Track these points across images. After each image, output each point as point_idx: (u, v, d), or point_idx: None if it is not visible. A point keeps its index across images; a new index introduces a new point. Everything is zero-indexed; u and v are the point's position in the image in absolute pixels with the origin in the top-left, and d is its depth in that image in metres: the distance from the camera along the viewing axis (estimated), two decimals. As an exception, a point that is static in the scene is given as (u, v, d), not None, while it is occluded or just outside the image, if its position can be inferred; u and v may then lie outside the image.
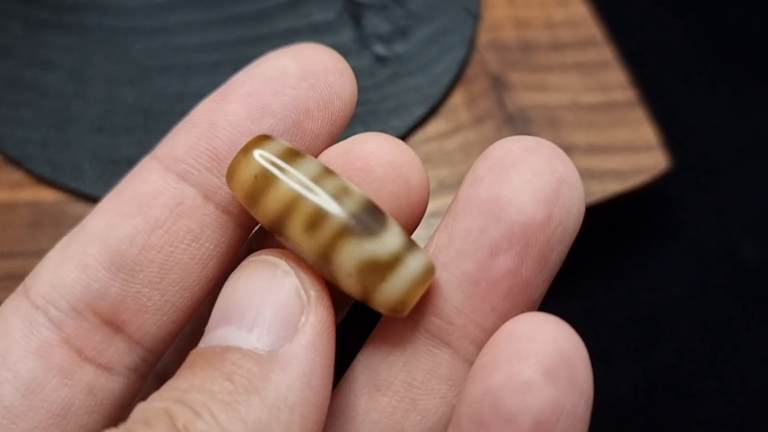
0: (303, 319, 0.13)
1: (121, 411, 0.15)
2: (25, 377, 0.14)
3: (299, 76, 0.15)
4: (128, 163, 0.28)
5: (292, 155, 0.14)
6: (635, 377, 0.28)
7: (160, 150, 0.16)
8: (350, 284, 0.14)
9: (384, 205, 0.15)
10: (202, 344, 0.13)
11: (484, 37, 0.32)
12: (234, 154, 0.15)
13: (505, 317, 0.14)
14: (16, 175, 0.28)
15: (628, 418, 0.27)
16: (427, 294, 0.15)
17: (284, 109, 0.15)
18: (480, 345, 0.14)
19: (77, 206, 0.28)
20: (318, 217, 0.14)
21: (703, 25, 0.36)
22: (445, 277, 0.14)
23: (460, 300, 0.14)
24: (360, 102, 0.29)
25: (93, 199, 0.28)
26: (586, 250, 0.30)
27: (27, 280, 0.15)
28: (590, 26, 0.32)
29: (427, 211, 0.16)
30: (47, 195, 0.28)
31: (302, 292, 0.13)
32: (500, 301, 0.14)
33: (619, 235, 0.31)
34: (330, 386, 0.13)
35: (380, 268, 0.14)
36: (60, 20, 0.32)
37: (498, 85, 0.30)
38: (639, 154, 0.29)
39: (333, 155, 0.15)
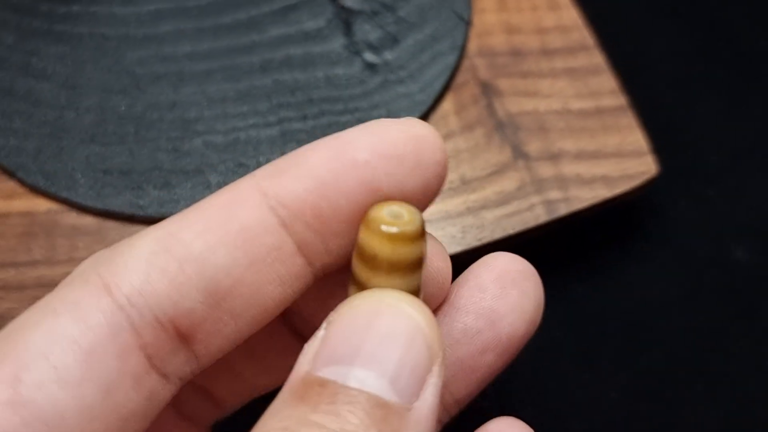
0: (429, 378, 0.14)
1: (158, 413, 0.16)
2: (107, 378, 0.14)
3: (415, 163, 0.16)
4: (120, 172, 0.28)
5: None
6: (624, 382, 0.28)
7: (267, 182, 0.16)
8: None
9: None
10: (328, 376, 0.13)
11: (474, 43, 0.32)
12: (334, 218, 0.16)
13: (470, 395, 0.18)
14: (8, 184, 0.28)
15: (616, 423, 0.28)
16: None
17: (393, 193, 0.16)
18: (446, 408, 0.18)
19: (70, 216, 0.28)
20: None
21: (694, 31, 0.36)
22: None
23: (448, 375, 0.18)
24: (350, 110, 0.30)
25: (85, 209, 0.28)
26: (576, 255, 0.31)
27: (100, 268, 0.15)
28: (581, 32, 0.32)
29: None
30: (40, 204, 0.28)
31: (431, 346, 0.14)
32: (474, 383, 0.18)
33: (609, 241, 0.31)
34: None
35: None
36: (52, 29, 0.32)
37: (488, 91, 0.30)
38: (629, 160, 0.29)
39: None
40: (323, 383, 0.13)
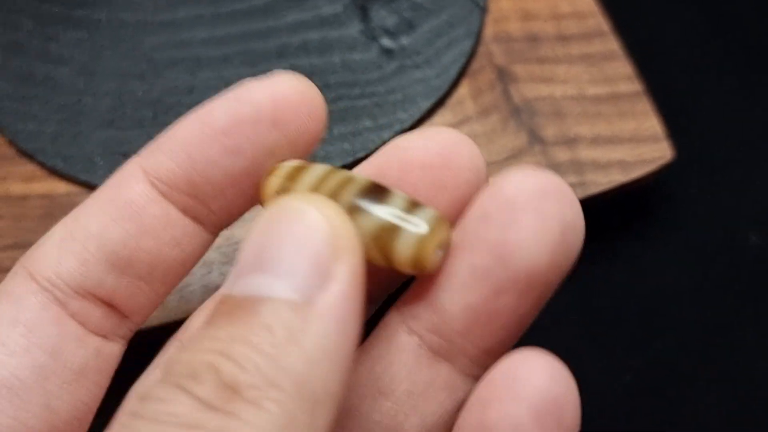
0: (336, 266, 0.13)
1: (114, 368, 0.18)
2: (50, 342, 0.16)
3: (272, 123, 0.17)
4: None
5: (301, 167, 0.16)
6: (637, 366, 0.28)
7: (145, 160, 0.17)
8: (370, 246, 0.15)
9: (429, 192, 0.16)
10: (234, 290, 0.14)
11: (490, 29, 0.32)
12: (208, 184, 0.17)
13: (501, 343, 0.16)
14: (28, 167, 0.29)
15: (629, 407, 0.28)
16: (432, 314, 0.16)
17: (255, 151, 0.17)
18: (476, 362, 0.16)
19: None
20: (338, 188, 0.15)
21: (710, 17, 0.36)
22: (449, 303, 0.16)
23: (461, 325, 0.15)
24: (367, 94, 0.30)
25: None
26: (590, 240, 0.31)
27: (25, 261, 0.17)
28: (596, 18, 0.32)
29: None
30: (59, 187, 0.28)
31: (334, 239, 0.14)
32: (497, 330, 0.15)
33: (624, 226, 0.31)
34: (359, 334, 0.14)
35: (389, 231, 0.15)
36: (70, 15, 0.32)
37: (504, 77, 0.30)
38: (644, 146, 0.29)
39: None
40: (236, 300, 0.13)
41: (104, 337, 0.17)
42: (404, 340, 0.16)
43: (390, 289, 0.19)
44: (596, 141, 0.29)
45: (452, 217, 0.16)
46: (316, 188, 0.15)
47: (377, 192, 0.15)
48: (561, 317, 0.29)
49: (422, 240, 0.15)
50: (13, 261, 0.26)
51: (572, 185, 0.28)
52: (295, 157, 0.17)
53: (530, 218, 0.14)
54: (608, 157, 0.29)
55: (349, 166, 0.28)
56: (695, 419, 0.27)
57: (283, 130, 0.16)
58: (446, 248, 0.15)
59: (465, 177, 0.16)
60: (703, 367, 0.28)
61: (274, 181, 0.16)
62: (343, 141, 0.29)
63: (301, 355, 0.13)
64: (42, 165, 0.29)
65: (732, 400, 0.28)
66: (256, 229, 0.14)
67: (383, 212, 0.15)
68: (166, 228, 0.17)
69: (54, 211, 0.28)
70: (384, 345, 0.17)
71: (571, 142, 0.29)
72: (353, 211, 0.15)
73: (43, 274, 0.17)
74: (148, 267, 0.17)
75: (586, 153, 0.29)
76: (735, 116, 0.34)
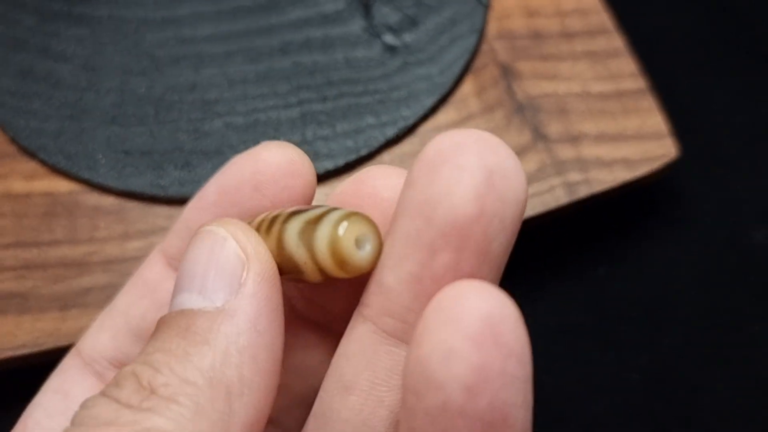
0: (244, 274, 0.15)
1: None
2: None
3: (253, 185, 0.18)
4: (141, 153, 0.28)
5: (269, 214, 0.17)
6: (644, 363, 0.28)
7: (164, 244, 0.19)
8: (300, 254, 0.15)
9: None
10: (166, 312, 0.15)
11: (493, 26, 0.32)
12: None
13: None
14: (30, 165, 0.29)
15: (637, 404, 0.28)
16: (378, 295, 0.16)
17: (240, 215, 0.18)
18: None
19: (91, 196, 0.28)
20: (272, 220, 0.16)
21: (714, 13, 0.36)
22: (392, 279, 0.15)
23: (408, 299, 0.15)
24: (369, 92, 0.30)
25: (107, 189, 0.28)
26: (595, 237, 0.31)
27: (78, 342, 0.19)
28: (600, 14, 0.32)
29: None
30: (61, 185, 0.28)
31: (240, 252, 0.15)
32: None
33: (629, 224, 0.31)
34: (280, 329, 0.15)
35: (311, 224, 0.15)
36: (72, 12, 0.32)
37: (507, 74, 0.30)
38: (649, 143, 0.29)
39: (345, 187, 0.18)
40: (164, 319, 0.15)
41: None
42: (360, 330, 0.16)
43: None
44: (601, 138, 0.29)
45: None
46: (258, 228, 0.16)
47: (299, 212, 0.16)
48: (567, 315, 0.29)
49: (335, 236, 0.15)
50: (15, 259, 0.27)
51: (576, 183, 0.28)
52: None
53: (449, 171, 0.14)
54: (613, 155, 0.29)
55: (353, 164, 0.28)
56: (703, 417, 0.27)
57: (265, 193, 0.18)
58: (374, 243, 0.15)
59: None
60: (711, 364, 0.28)
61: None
62: (347, 138, 0.29)
63: (211, 352, 0.14)
64: (44, 163, 0.28)
65: (740, 397, 0.28)
66: (183, 257, 0.16)
67: (311, 213, 0.16)
68: None
69: (56, 209, 0.28)
70: (345, 339, 0.17)
71: (575, 139, 0.29)
72: (289, 218, 0.16)
73: (85, 350, 0.19)
74: None
75: (590, 150, 0.29)
76: (740, 113, 0.34)
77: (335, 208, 0.16)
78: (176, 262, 0.19)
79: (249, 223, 0.17)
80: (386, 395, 0.16)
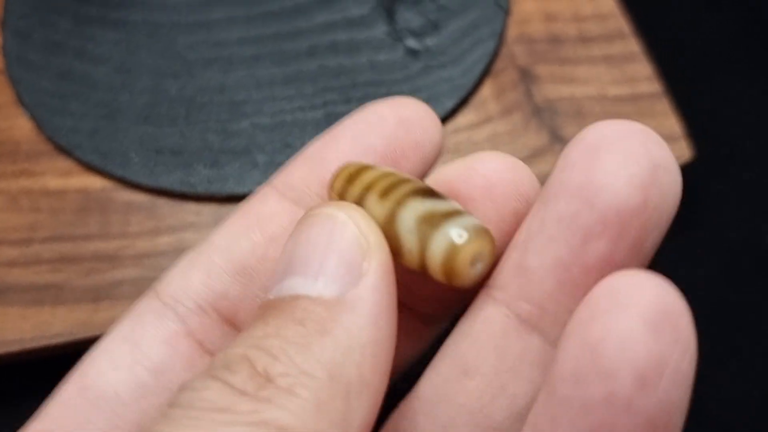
0: (365, 264, 0.14)
1: None
2: (155, 360, 0.16)
3: (397, 123, 0.17)
4: (171, 152, 0.29)
5: (370, 166, 0.16)
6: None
7: (277, 179, 0.18)
8: (409, 241, 0.15)
9: (506, 223, 0.16)
10: (270, 296, 0.14)
11: (513, 31, 0.32)
12: None
13: None
14: (66, 163, 0.30)
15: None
16: (518, 278, 0.15)
17: (385, 149, 0.17)
18: None
19: (124, 193, 0.29)
20: (391, 187, 0.15)
21: (728, 19, 0.37)
22: (536, 262, 0.14)
23: (551, 285, 0.14)
24: (393, 93, 0.31)
25: (138, 186, 0.29)
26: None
27: (156, 285, 0.17)
28: (618, 19, 0.33)
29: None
30: (95, 182, 0.29)
31: (362, 239, 0.14)
32: (592, 286, 0.13)
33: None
34: (395, 326, 0.14)
35: (436, 218, 0.14)
36: (107, 16, 0.33)
37: (526, 77, 0.31)
38: (664, 145, 0.29)
39: (454, 172, 0.16)
40: (271, 303, 0.14)
41: None
42: (490, 312, 0.15)
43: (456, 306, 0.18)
44: (616, 140, 0.29)
45: (500, 240, 0.16)
46: (369, 187, 0.15)
47: (426, 195, 0.15)
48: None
49: (455, 248, 0.14)
50: (52, 252, 0.28)
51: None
52: (422, 170, 0.18)
53: (615, 158, 0.13)
54: (628, 157, 0.29)
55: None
56: (717, 417, 0.28)
57: (409, 131, 0.17)
58: (487, 263, 0.15)
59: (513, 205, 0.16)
60: (725, 365, 0.29)
61: (336, 183, 0.16)
62: (369, 139, 0.29)
63: (333, 345, 0.13)
64: (79, 161, 0.30)
65: (754, 398, 0.28)
66: (290, 238, 0.15)
67: (439, 204, 0.15)
68: None
69: (90, 205, 0.29)
70: (469, 322, 0.16)
71: (591, 141, 0.29)
72: (412, 193, 0.15)
73: (168, 291, 0.17)
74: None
75: (606, 152, 0.29)
76: (754, 116, 0.34)
77: (463, 213, 0.15)
78: (293, 193, 0.17)
79: (338, 172, 0.16)
80: (510, 383, 0.15)
